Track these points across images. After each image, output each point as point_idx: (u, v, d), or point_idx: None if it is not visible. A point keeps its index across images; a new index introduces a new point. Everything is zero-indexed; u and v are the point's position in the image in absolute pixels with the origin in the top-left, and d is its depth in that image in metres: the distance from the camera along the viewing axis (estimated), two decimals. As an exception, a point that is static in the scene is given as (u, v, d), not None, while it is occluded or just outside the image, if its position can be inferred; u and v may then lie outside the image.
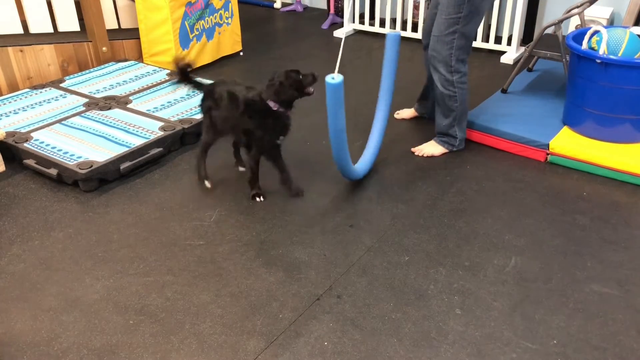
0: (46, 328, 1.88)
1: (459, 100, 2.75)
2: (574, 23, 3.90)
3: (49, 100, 3.28)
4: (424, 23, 2.99)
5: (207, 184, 2.60)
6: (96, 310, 1.96)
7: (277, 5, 5.56)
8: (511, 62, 4.09)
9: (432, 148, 2.91)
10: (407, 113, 3.32)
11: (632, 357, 1.76)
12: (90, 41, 3.80)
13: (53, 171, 2.62)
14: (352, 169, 2.55)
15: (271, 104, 2.33)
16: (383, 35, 4.71)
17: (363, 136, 3.10)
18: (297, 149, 2.97)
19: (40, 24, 3.75)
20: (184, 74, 2.48)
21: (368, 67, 4.11)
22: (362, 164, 2.69)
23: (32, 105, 3.21)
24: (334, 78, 2.11)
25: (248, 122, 2.36)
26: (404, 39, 4.63)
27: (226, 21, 4.17)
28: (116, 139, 2.83)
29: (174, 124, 2.98)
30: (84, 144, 2.78)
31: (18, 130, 2.92)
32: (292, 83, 2.30)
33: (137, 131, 2.91)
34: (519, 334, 1.85)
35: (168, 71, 3.70)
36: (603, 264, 2.15)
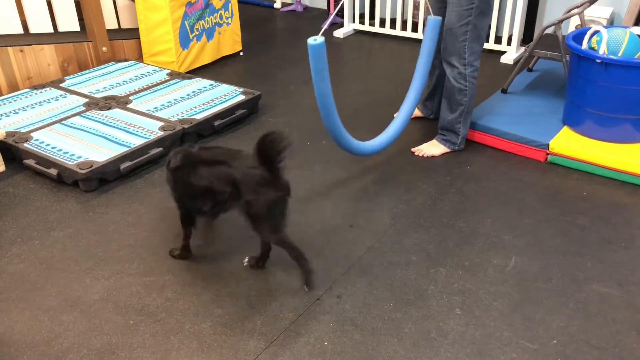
0: (46, 328, 1.88)
1: (468, 95, 2.75)
2: (574, 23, 3.90)
3: (49, 100, 3.28)
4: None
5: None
6: (96, 310, 1.96)
7: (277, 5, 5.56)
8: (511, 62, 4.10)
9: (432, 148, 2.91)
10: None
11: (632, 357, 1.76)
12: (90, 41, 3.80)
13: (53, 171, 2.62)
14: (347, 139, 2.48)
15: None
16: (383, 36, 4.72)
17: (362, 136, 3.10)
18: (297, 149, 2.97)
19: (40, 24, 3.75)
20: None
21: (368, 67, 4.11)
22: (374, 142, 2.63)
23: (32, 105, 3.21)
24: (316, 39, 2.10)
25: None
26: (404, 39, 4.64)
27: (226, 21, 4.17)
28: (116, 139, 2.83)
29: (174, 124, 2.98)
30: (84, 144, 2.78)
31: (18, 130, 2.92)
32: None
33: (137, 131, 2.91)
34: (519, 334, 1.85)
35: (168, 71, 3.70)
36: (603, 264, 2.15)
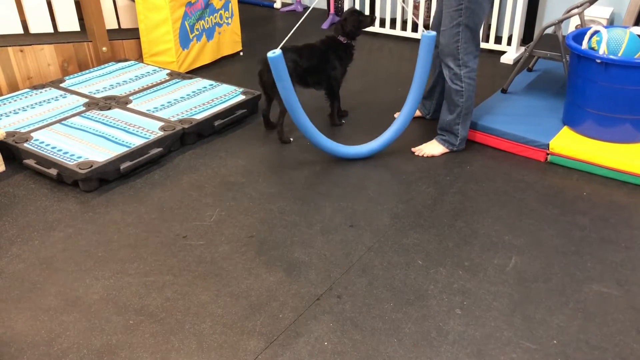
0: (46, 328, 1.88)
1: (465, 96, 2.75)
2: (574, 23, 3.90)
3: (49, 100, 3.28)
4: (432, 20, 2.98)
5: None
6: (96, 310, 1.96)
7: (277, 5, 5.56)
8: (511, 62, 4.10)
9: (432, 148, 2.90)
10: None
11: (632, 357, 1.76)
12: (90, 41, 3.80)
13: (53, 171, 2.62)
14: (321, 139, 2.72)
15: (340, 38, 2.98)
16: (383, 35, 4.72)
17: (361, 136, 3.10)
18: (297, 150, 2.97)
19: (40, 24, 3.75)
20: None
21: (368, 67, 4.11)
22: (363, 147, 2.84)
23: (32, 105, 3.21)
24: (275, 52, 2.42)
25: (330, 58, 2.99)
26: (404, 39, 4.64)
27: (226, 21, 4.18)
28: (116, 139, 2.83)
29: (174, 124, 2.98)
30: (84, 144, 2.78)
31: (18, 130, 2.92)
32: (353, 21, 2.95)
33: (137, 131, 2.91)
34: (519, 334, 1.85)
35: (168, 71, 3.70)
36: (603, 264, 2.15)
